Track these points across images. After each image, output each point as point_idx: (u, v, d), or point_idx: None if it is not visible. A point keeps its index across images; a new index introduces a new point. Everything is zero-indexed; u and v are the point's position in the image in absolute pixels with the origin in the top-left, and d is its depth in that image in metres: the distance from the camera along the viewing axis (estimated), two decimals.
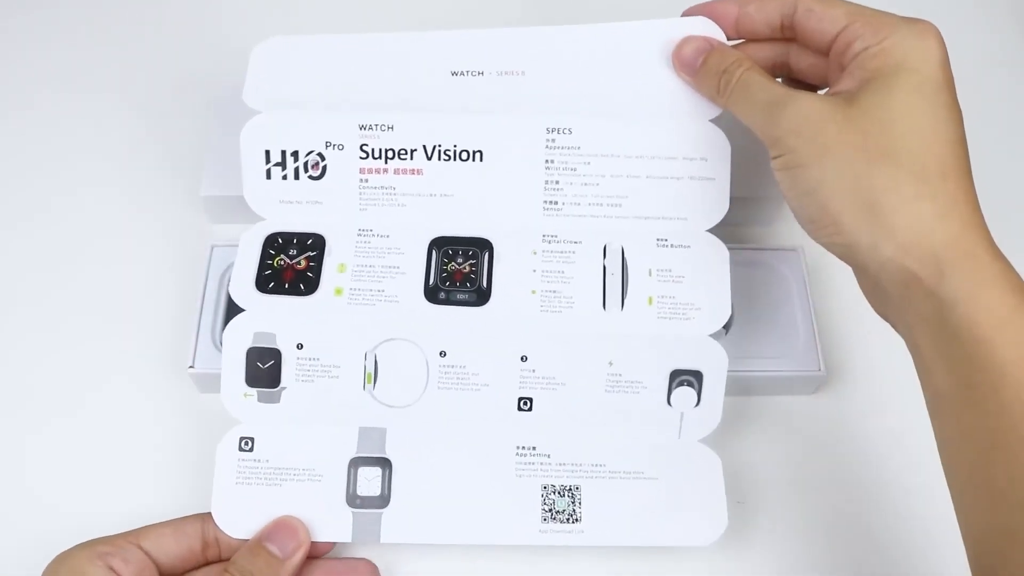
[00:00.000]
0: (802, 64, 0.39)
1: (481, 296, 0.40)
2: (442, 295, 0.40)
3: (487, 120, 0.41)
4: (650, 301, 0.39)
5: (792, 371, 0.43)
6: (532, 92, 0.41)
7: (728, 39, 0.39)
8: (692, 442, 0.40)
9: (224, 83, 0.49)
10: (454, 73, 0.41)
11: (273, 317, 0.39)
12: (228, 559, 0.37)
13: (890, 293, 0.33)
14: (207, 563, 0.37)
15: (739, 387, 0.43)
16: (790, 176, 0.34)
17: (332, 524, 0.38)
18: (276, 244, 0.41)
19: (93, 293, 0.46)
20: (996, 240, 0.33)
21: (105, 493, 0.41)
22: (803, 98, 0.34)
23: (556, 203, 0.41)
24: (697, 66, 0.39)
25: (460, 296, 0.39)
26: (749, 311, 0.44)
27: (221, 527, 0.37)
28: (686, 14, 0.40)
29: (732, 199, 0.47)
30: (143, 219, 0.49)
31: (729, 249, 0.45)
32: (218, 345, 0.42)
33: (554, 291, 0.39)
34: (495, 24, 0.54)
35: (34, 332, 0.45)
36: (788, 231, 0.49)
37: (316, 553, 0.38)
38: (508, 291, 0.39)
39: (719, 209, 0.41)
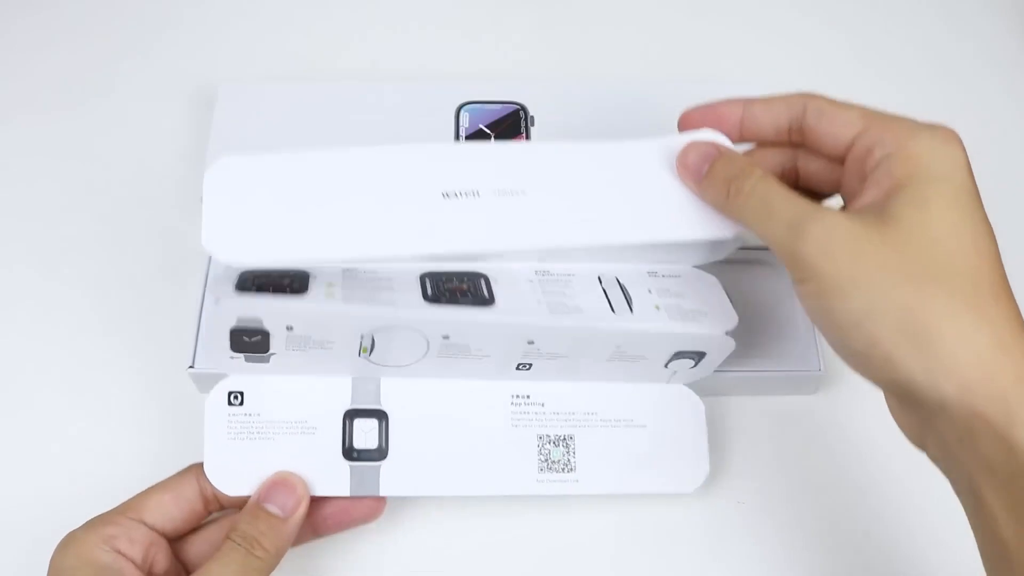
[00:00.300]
0: (811, 169, 0.36)
1: (485, 301, 0.39)
2: (444, 299, 0.37)
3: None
4: (657, 307, 0.39)
5: (792, 371, 0.43)
6: (532, 213, 0.37)
7: (732, 143, 0.37)
8: (678, 387, 0.40)
9: (224, 83, 0.50)
10: (446, 195, 0.37)
11: (258, 307, 0.36)
12: (227, 508, 0.37)
13: (946, 434, 0.29)
14: (208, 513, 0.37)
15: (739, 387, 0.43)
16: (824, 305, 0.31)
17: (329, 478, 0.37)
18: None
19: (93, 293, 0.46)
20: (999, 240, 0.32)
21: (105, 493, 0.41)
22: (830, 215, 0.31)
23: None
24: (703, 173, 0.36)
25: (463, 300, 0.38)
26: (749, 311, 0.44)
27: (215, 485, 0.36)
28: (685, 116, 0.38)
29: None
30: (143, 219, 0.49)
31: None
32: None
33: (560, 302, 0.39)
34: (496, 54, 0.55)
35: (33, 332, 0.45)
36: None
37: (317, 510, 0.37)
38: (513, 300, 0.38)
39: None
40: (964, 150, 0.32)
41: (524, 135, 0.48)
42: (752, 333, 0.44)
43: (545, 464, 0.39)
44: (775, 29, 0.57)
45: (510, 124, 0.49)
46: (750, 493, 0.42)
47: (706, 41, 0.57)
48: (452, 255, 0.37)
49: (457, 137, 0.48)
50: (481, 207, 0.36)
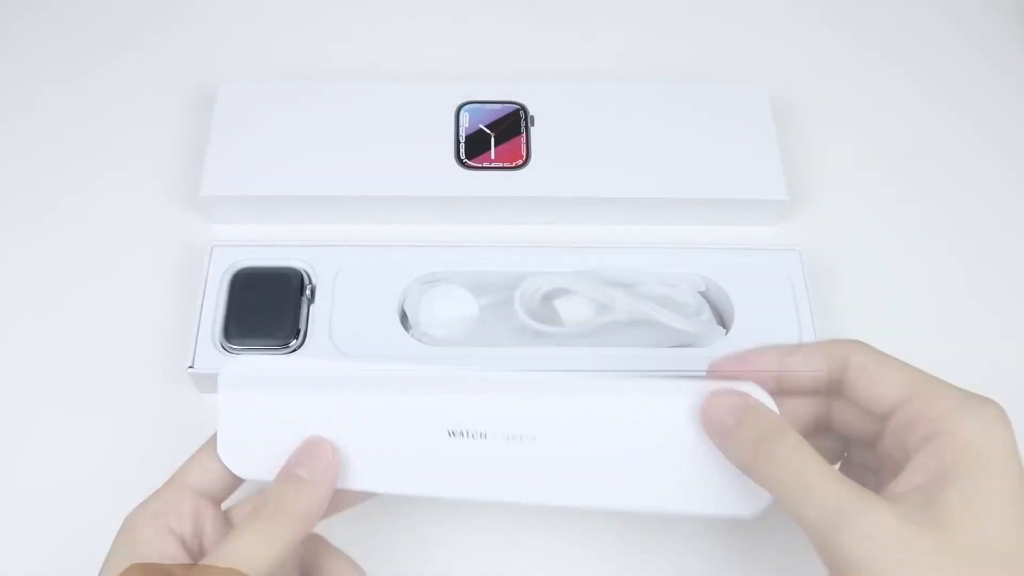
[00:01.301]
0: (847, 418, 0.34)
1: None
2: None
3: None
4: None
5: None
6: (540, 465, 0.34)
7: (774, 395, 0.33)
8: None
9: (224, 83, 0.50)
10: (451, 433, 0.34)
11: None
12: None
13: None
14: None
15: None
16: None
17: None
18: None
19: (93, 293, 0.46)
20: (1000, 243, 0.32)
21: (104, 493, 0.41)
22: (875, 508, 0.28)
23: None
24: (731, 427, 0.32)
25: None
26: (749, 311, 0.44)
27: (231, 468, 0.34)
28: (714, 368, 0.34)
29: (732, 199, 0.47)
30: (143, 219, 0.49)
31: (729, 249, 0.45)
32: (218, 345, 0.42)
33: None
34: (496, 54, 0.55)
35: (33, 332, 0.45)
36: (788, 231, 0.49)
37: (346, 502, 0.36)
38: None
39: None
40: (1011, 428, 0.29)
41: (524, 135, 0.48)
42: (752, 334, 0.44)
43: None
44: (775, 29, 0.57)
45: (510, 124, 0.49)
46: None
47: (706, 41, 0.57)
48: (454, 499, 0.35)
49: (457, 137, 0.48)
50: (488, 451, 0.34)
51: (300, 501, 0.32)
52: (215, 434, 0.34)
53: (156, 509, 0.33)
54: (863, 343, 0.33)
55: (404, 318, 0.44)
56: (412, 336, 0.43)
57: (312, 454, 0.34)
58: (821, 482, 0.29)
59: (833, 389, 0.33)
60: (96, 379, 0.44)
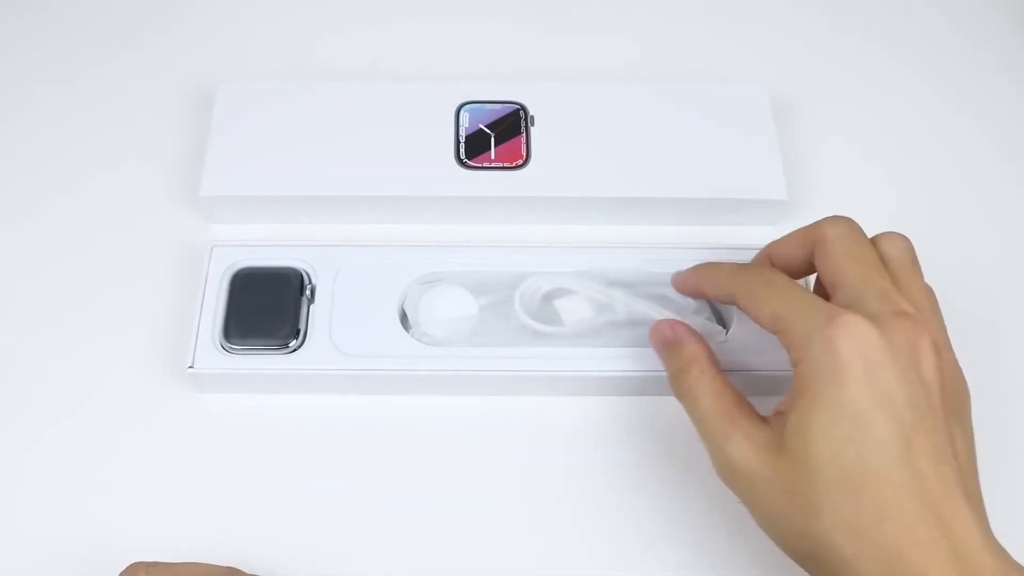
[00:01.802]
0: None
1: None
2: None
3: None
4: None
5: (792, 370, 0.43)
6: None
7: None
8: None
9: (224, 83, 0.50)
10: None
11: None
12: None
13: None
14: None
15: (739, 386, 0.43)
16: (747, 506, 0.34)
17: None
18: None
19: (92, 293, 0.46)
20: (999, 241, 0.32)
21: (104, 493, 0.41)
22: (739, 443, 0.33)
23: None
24: (663, 356, 0.39)
25: None
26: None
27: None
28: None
29: (732, 199, 0.47)
30: (143, 219, 0.49)
31: (729, 249, 0.45)
32: (218, 346, 0.42)
33: None
34: (496, 54, 0.55)
35: (33, 332, 0.45)
36: (787, 232, 0.49)
37: None
38: None
39: None
40: (856, 346, 0.31)
41: (524, 135, 0.48)
42: (752, 333, 0.43)
43: None
44: (775, 29, 0.57)
45: (510, 124, 0.49)
46: None
47: (706, 41, 0.57)
48: None
49: (457, 137, 0.48)
50: None
51: None
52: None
53: None
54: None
55: (404, 318, 0.44)
56: (412, 336, 0.43)
57: None
58: (704, 415, 0.35)
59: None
60: (96, 379, 0.44)
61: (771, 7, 0.58)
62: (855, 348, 0.31)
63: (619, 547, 0.41)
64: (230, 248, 0.45)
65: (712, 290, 0.39)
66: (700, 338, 0.39)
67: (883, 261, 0.35)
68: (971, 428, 0.34)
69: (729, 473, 0.34)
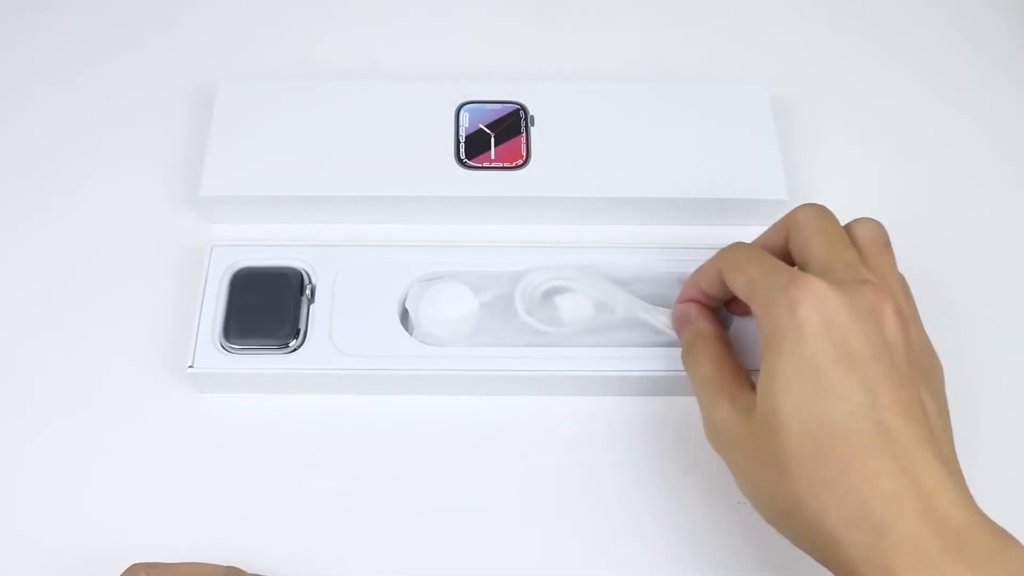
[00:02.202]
0: None
1: None
2: None
3: None
4: None
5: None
6: None
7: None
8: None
9: (224, 83, 0.50)
10: None
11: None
12: None
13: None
14: None
15: None
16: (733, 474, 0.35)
17: None
18: None
19: (92, 293, 0.46)
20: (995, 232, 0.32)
21: (104, 494, 0.41)
22: (722, 410, 0.35)
23: None
24: (679, 331, 0.41)
25: None
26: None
27: None
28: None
29: (732, 199, 0.47)
30: (143, 219, 0.49)
31: None
32: (218, 346, 0.42)
33: None
34: (496, 54, 0.55)
35: (33, 332, 0.45)
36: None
37: None
38: None
39: None
40: (813, 306, 0.31)
41: (524, 135, 0.48)
42: (753, 333, 0.44)
43: None
44: (775, 29, 0.57)
45: (510, 124, 0.49)
46: None
47: (706, 41, 0.57)
48: None
49: (457, 137, 0.48)
50: None
51: None
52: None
53: None
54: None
55: (404, 318, 0.44)
56: (415, 337, 0.43)
57: None
58: (699, 385, 0.37)
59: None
60: (96, 379, 0.44)
61: (771, 7, 0.58)
62: (814, 306, 0.31)
63: (619, 547, 0.41)
64: (230, 248, 0.45)
65: (704, 278, 0.40)
66: (711, 316, 0.40)
67: (855, 243, 0.36)
68: (944, 400, 0.34)
69: (715, 436, 0.36)
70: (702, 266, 0.40)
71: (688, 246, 0.45)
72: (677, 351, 0.41)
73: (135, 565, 0.36)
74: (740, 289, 0.36)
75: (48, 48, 0.55)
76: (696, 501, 0.41)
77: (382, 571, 0.40)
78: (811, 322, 0.31)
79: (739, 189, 0.47)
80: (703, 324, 0.40)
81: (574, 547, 0.41)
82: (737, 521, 0.41)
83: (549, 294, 0.44)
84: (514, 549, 0.40)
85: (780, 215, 0.48)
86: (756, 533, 0.41)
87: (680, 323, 0.41)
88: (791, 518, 0.32)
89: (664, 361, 0.42)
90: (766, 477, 0.32)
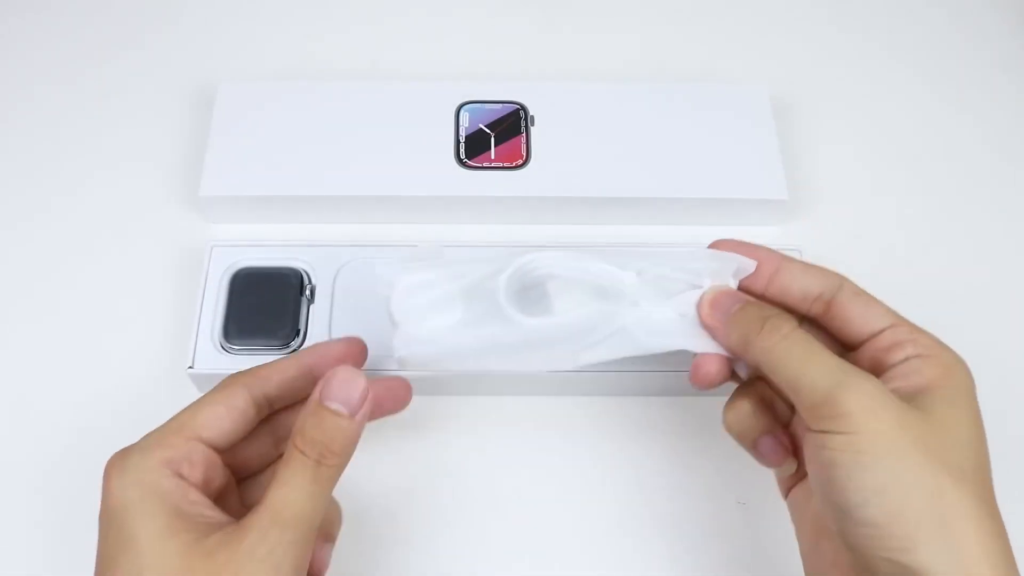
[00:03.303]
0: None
1: None
2: None
3: None
4: None
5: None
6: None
7: (754, 293, 0.36)
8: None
9: (224, 83, 0.50)
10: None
11: None
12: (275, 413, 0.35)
13: None
14: (258, 420, 0.35)
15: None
16: (853, 461, 0.29)
17: None
18: None
19: (92, 293, 0.46)
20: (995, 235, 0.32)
21: None
22: (874, 379, 0.31)
23: None
24: (734, 311, 0.34)
25: None
26: None
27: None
28: (721, 243, 0.37)
29: (733, 199, 0.47)
30: (143, 219, 0.49)
31: None
32: (218, 346, 0.42)
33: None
34: (496, 54, 0.55)
35: (33, 332, 0.45)
36: (789, 231, 0.49)
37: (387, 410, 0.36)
38: None
39: None
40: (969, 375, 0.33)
41: (524, 135, 0.48)
42: None
43: None
44: (775, 29, 0.57)
45: (510, 124, 0.49)
46: (751, 494, 0.42)
47: (706, 41, 0.57)
48: None
49: (457, 137, 0.48)
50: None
51: (339, 438, 0.31)
52: (222, 383, 0.34)
53: (167, 456, 0.31)
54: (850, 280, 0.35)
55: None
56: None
57: (345, 384, 0.32)
58: (824, 352, 0.32)
59: (815, 311, 0.35)
60: (96, 379, 0.44)
61: (771, 7, 0.58)
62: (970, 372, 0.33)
63: (619, 547, 0.41)
64: (230, 248, 0.45)
65: (803, 271, 0.35)
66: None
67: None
68: None
69: (862, 409, 0.30)
70: (792, 260, 0.36)
71: (688, 246, 0.45)
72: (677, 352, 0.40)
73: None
74: (882, 314, 0.34)
75: (48, 48, 0.55)
76: (696, 501, 0.41)
77: (381, 571, 0.40)
78: (972, 379, 0.33)
79: (739, 189, 0.47)
80: (768, 308, 0.35)
81: (574, 547, 0.41)
82: (737, 521, 0.41)
83: (540, 280, 0.38)
84: (513, 548, 0.40)
85: (780, 215, 0.49)
86: (756, 533, 0.41)
87: (734, 301, 0.35)
88: (947, 531, 0.29)
89: (664, 361, 0.42)
90: (907, 468, 0.29)
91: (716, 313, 0.35)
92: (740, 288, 0.36)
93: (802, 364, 0.32)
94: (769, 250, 0.36)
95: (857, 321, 0.34)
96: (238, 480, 0.35)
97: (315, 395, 0.32)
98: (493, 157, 0.48)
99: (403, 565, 0.40)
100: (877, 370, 0.33)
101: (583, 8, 0.58)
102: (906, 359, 0.32)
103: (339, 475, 0.32)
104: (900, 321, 0.34)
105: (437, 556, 0.40)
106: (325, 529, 0.34)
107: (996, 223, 0.50)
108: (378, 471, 0.42)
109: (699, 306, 0.36)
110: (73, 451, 0.42)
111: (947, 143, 0.53)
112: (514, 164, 0.47)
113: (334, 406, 0.31)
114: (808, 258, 0.45)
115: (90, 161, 0.51)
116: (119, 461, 0.31)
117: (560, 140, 0.48)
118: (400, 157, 0.47)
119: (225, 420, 0.33)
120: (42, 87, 0.53)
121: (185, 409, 0.33)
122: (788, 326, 0.33)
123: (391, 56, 0.55)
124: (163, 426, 0.33)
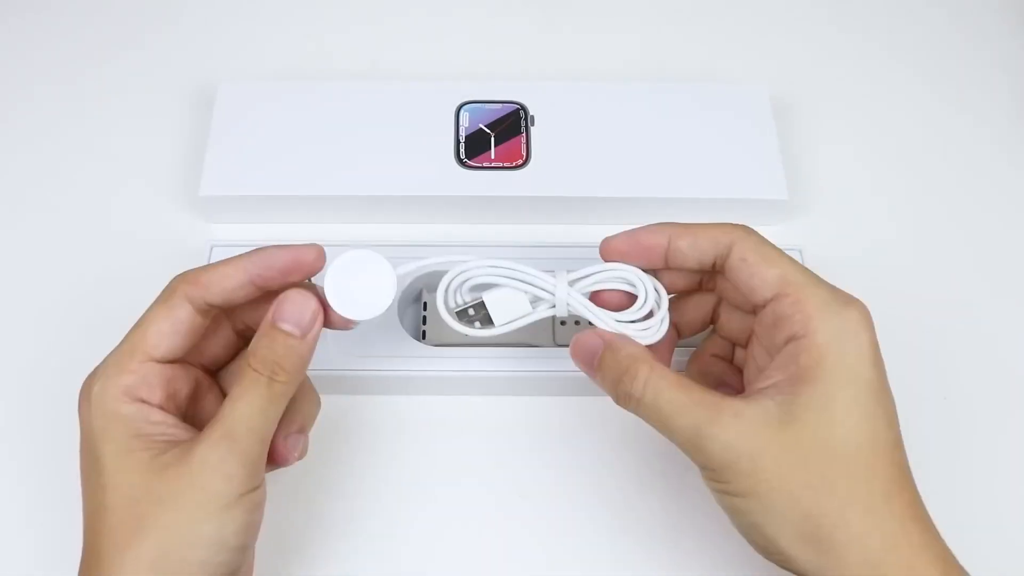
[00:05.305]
0: (730, 322, 0.37)
1: None
2: None
3: None
4: None
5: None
6: None
7: (658, 270, 0.36)
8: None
9: (224, 83, 0.50)
10: None
11: None
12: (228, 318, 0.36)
13: None
14: (208, 319, 0.35)
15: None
16: (728, 502, 0.32)
17: None
18: None
19: (92, 293, 0.46)
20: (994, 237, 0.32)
21: None
22: (730, 424, 0.31)
23: None
24: (594, 368, 0.35)
25: None
26: None
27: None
28: (608, 243, 0.36)
29: (733, 199, 0.47)
30: (142, 219, 0.49)
31: None
32: None
33: None
34: (496, 54, 0.55)
35: (33, 332, 0.45)
36: (789, 231, 0.49)
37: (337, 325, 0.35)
38: None
39: None
40: (869, 327, 0.32)
41: (524, 135, 0.48)
42: None
43: None
44: (775, 29, 0.57)
45: (510, 124, 0.49)
46: None
47: (706, 41, 0.57)
48: None
49: (457, 136, 0.48)
50: None
51: (289, 356, 0.33)
52: (165, 290, 0.35)
53: (125, 384, 0.33)
54: (749, 230, 0.34)
55: (403, 319, 0.44)
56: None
57: (295, 304, 0.33)
58: (675, 408, 0.32)
59: (718, 270, 0.35)
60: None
61: (771, 7, 0.58)
62: (871, 331, 0.32)
63: (619, 547, 0.41)
64: (230, 248, 0.45)
65: (688, 239, 0.35)
66: (632, 340, 0.35)
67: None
68: None
69: (727, 460, 0.31)
70: (679, 224, 0.36)
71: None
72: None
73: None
74: (767, 282, 0.33)
75: (48, 48, 0.55)
76: (697, 500, 0.41)
77: (381, 571, 0.40)
78: (872, 346, 0.32)
79: (739, 189, 0.47)
80: (633, 347, 0.34)
81: (574, 546, 0.41)
82: None
83: (479, 289, 0.38)
84: (513, 548, 0.40)
85: (780, 215, 0.49)
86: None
87: (591, 355, 0.35)
88: (819, 542, 0.30)
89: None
90: (801, 496, 0.30)
91: (582, 364, 0.36)
92: (645, 272, 0.36)
93: (667, 430, 0.33)
94: (652, 231, 0.36)
95: (743, 290, 0.34)
96: (213, 373, 0.36)
97: (268, 316, 0.33)
98: (493, 157, 0.48)
99: (402, 565, 0.40)
100: (770, 353, 0.33)
101: (583, 8, 0.58)
102: (784, 343, 0.32)
103: (291, 391, 0.33)
104: (784, 288, 0.32)
105: (435, 556, 0.40)
106: (300, 422, 0.35)
107: (996, 222, 0.50)
108: (377, 471, 0.42)
109: (570, 351, 0.36)
110: (72, 450, 0.42)
111: (947, 143, 0.53)
112: (514, 164, 0.47)
113: (286, 327, 0.33)
114: (808, 258, 0.45)
115: (90, 161, 0.51)
116: (86, 392, 0.34)
117: (560, 140, 0.48)
118: (400, 157, 0.47)
119: (172, 336, 0.34)
120: (42, 87, 0.53)
121: (135, 327, 0.34)
122: (644, 371, 0.33)
123: (391, 56, 0.55)
124: (117, 349, 0.34)
